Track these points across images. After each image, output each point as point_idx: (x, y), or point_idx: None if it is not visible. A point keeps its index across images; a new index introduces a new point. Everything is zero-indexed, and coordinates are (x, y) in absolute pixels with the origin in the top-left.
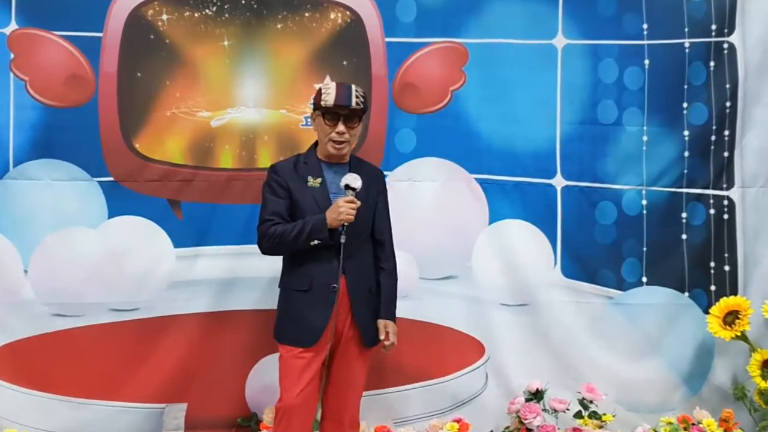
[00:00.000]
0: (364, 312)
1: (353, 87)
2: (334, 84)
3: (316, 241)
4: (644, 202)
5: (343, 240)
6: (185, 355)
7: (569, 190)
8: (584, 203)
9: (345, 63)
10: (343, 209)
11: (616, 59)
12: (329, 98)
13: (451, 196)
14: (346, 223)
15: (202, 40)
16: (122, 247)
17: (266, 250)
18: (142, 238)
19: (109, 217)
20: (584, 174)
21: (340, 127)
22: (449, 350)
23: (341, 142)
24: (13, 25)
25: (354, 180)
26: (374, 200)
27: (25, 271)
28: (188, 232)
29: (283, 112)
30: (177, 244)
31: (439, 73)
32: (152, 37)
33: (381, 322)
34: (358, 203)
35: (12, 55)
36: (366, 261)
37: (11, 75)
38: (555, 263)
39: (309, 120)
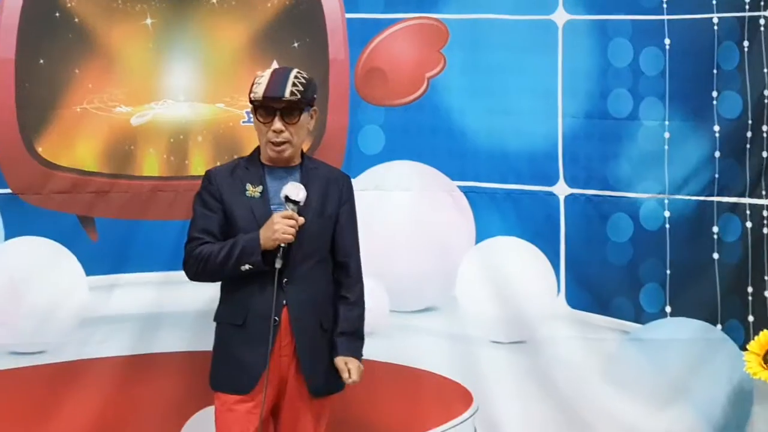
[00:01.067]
0: (310, 353)
1: (293, 72)
2: (270, 71)
3: (247, 267)
4: (666, 213)
5: (278, 265)
6: (101, 410)
7: (574, 200)
8: (593, 216)
9: (296, 45)
10: (278, 227)
11: (629, 38)
12: (259, 89)
13: (429, 209)
14: (283, 244)
15: (120, 18)
16: (22, 275)
17: (193, 276)
18: (46, 264)
19: (6, 238)
20: (592, 180)
21: (276, 125)
22: (428, 400)
23: (280, 143)
24: None
25: (295, 190)
26: (333, 212)
27: None
28: (103, 257)
29: (220, 106)
30: (90, 271)
31: (411, 57)
32: (57, 15)
33: (340, 360)
34: (300, 219)
35: None
36: (318, 289)
37: None
38: (558, 290)
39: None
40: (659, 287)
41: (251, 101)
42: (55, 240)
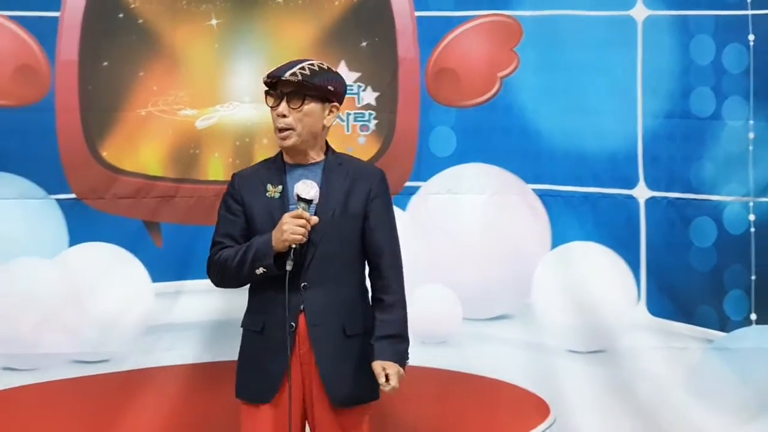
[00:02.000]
0: (330, 360)
1: (308, 61)
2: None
3: (261, 270)
4: (752, 217)
5: (289, 267)
6: (166, 419)
7: (655, 203)
8: (675, 220)
9: (364, 44)
10: (286, 227)
11: (712, 35)
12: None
13: (503, 213)
14: (294, 245)
15: (184, 18)
16: (86, 282)
17: (216, 282)
18: (111, 271)
19: (70, 245)
20: (674, 182)
21: (280, 108)
22: (503, 411)
23: (283, 130)
24: None
25: (305, 188)
26: (359, 210)
27: None
28: (169, 263)
29: None
30: (155, 277)
31: (484, 55)
32: (121, 15)
33: (377, 364)
34: (313, 219)
35: None
36: (342, 293)
37: None
38: (638, 298)
39: None
40: (744, 294)
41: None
42: (120, 246)
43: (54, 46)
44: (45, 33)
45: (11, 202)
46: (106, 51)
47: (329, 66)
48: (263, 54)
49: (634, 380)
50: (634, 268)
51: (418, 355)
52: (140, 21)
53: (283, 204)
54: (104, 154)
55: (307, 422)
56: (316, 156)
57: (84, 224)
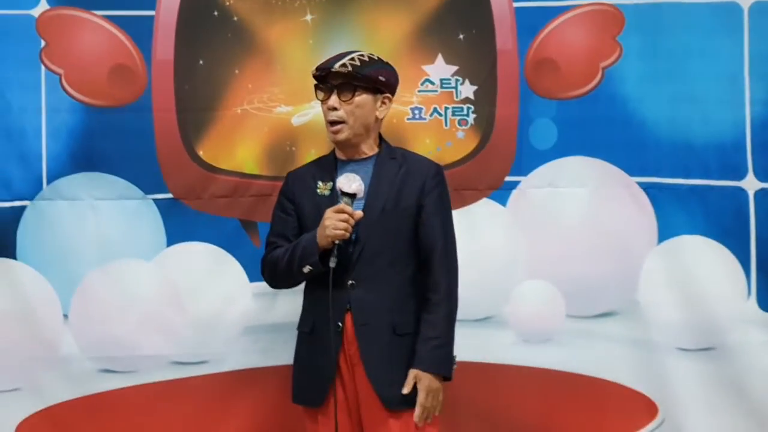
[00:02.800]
0: (379, 360)
1: (357, 52)
2: None
3: (308, 268)
4: None
5: (332, 264)
6: (265, 421)
7: (766, 195)
8: None
9: (462, 36)
10: (328, 222)
11: None
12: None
13: (607, 207)
14: (338, 241)
15: (279, 15)
16: (184, 283)
17: (270, 282)
18: (209, 271)
19: (168, 245)
20: None
21: (331, 101)
22: (610, 411)
23: (335, 123)
24: (43, 5)
25: (348, 182)
26: (411, 205)
27: (65, 317)
28: None
29: None
30: (253, 277)
31: (585, 46)
32: (216, 14)
33: (411, 372)
34: (356, 213)
35: (43, 43)
36: (391, 291)
37: (42, 68)
38: (749, 293)
39: (419, 113)
40: None
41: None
42: (218, 245)
43: (149, 46)
44: (140, 32)
45: (109, 203)
46: (201, 50)
47: (380, 57)
48: (359, 48)
49: (745, 377)
50: (744, 262)
51: (521, 354)
52: (235, 18)
53: (332, 201)
54: (201, 153)
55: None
56: (369, 150)
57: (181, 224)
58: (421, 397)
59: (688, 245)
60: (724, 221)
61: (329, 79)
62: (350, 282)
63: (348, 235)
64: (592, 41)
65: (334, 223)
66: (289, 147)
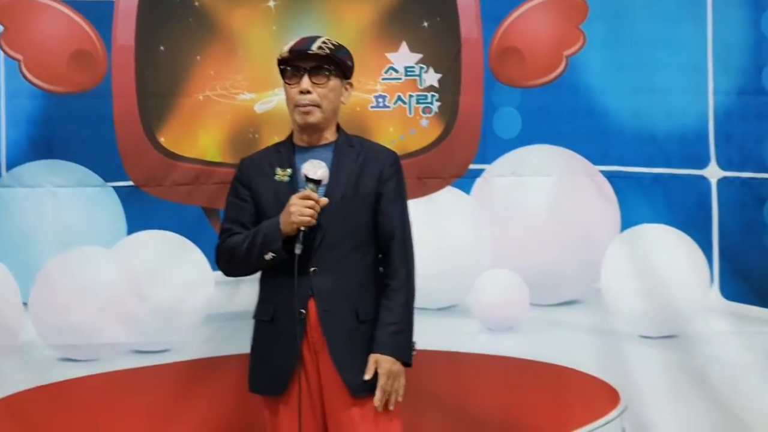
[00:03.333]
0: (344, 346)
1: (323, 37)
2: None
3: (270, 255)
4: None
5: (298, 251)
6: (228, 409)
7: (728, 184)
8: (749, 200)
9: (426, 24)
10: (294, 208)
11: None
12: (285, 48)
13: (570, 196)
14: (303, 228)
15: (241, 0)
16: (145, 271)
17: (225, 270)
18: (170, 259)
19: (129, 233)
20: (748, 161)
21: (303, 84)
22: (573, 399)
23: (307, 105)
24: None
25: (313, 168)
26: (370, 192)
27: (25, 305)
28: None
29: None
30: (216, 265)
31: (549, 34)
32: None
33: (372, 357)
34: (322, 200)
35: (1, 28)
36: (353, 277)
37: (1, 54)
38: (711, 281)
39: (383, 101)
40: None
41: (279, 64)
42: (179, 233)
43: (110, 31)
44: (101, 18)
45: (69, 190)
46: (162, 35)
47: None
48: (322, 35)
49: (707, 366)
50: (707, 250)
51: (484, 343)
52: (196, 3)
53: (293, 187)
54: (162, 140)
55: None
56: (330, 137)
57: (142, 212)
58: (381, 381)
59: (651, 234)
60: (686, 210)
61: (299, 62)
62: (312, 269)
63: (314, 221)
64: (556, 30)
65: (300, 210)
66: (252, 134)
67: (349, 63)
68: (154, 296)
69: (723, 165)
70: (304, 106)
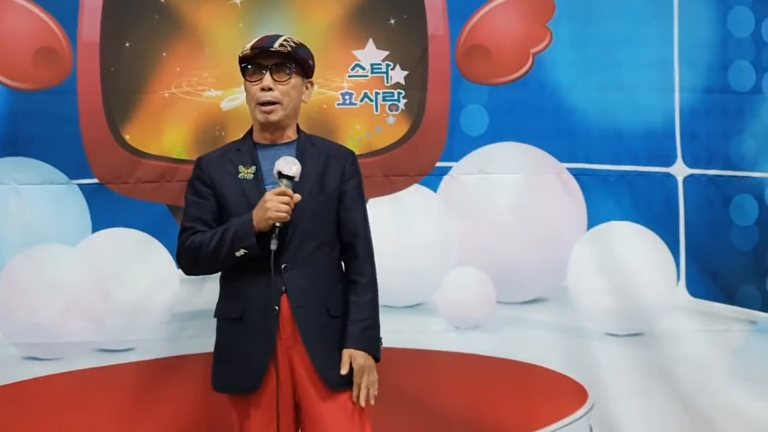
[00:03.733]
0: (319, 342)
1: (285, 36)
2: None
3: (241, 251)
4: None
5: (274, 247)
6: (193, 409)
7: (694, 181)
8: (715, 198)
9: (393, 21)
10: (270, 204)
11: (750, 6)
12: (248, 45)
13: (537, 193)
14: (278, 224)
15: None
16: (110, 269)
17: (187, 268)
18: (135, 257)
19: (94, 231)
20: (714, 159)
21: (265, 81)
22: (540, 396)
23: (268, 103)
24: None
25: (288, 165)
26: (334, 189)
27: None
28: None
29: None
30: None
31: (516, 31)
32: None
33: (346, 351)
34: (296, 196)
35: None
36: (323, 273)
37: None
38: (678, 279)
39: (350, 98)
40: None
41: (240, 62)
42: (145, 231)
43: (75, 28)
44: (66, 14)
45: (33, 188)
46: (128, 32)
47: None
48: (288, 32)
49: (674, 363)
50: (673, 248)
51: (451, 340)
52: (162, 0)
53: (258, 184)
54: (127, 137)
55: (299, 408)
56: (292, 135)
57: (107, 210)
58: (357, 376)
59: (618, 231)
60: (653, 207)
61: (261, 59)
62: (283, 265)
63: (289, 217)
64: (522, 27)
65: (276, 206)
66: (218, 132)
67: (311, 62)
68: (119, 294)
69: (689, 162)
70: (266, 104)
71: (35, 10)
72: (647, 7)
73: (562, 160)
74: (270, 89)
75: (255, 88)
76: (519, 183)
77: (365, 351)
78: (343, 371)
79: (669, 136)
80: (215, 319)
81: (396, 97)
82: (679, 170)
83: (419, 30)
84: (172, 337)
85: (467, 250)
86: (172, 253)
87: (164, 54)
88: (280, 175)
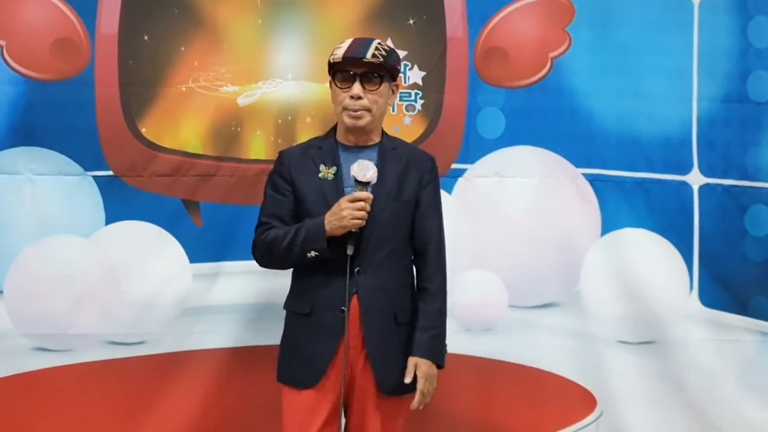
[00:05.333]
0: (380, 346)
1: (375, 41)
2: (350, 39)
3: (313, 253)
4: None
5: (350, 252)
6: (202, 403)
7: (710, 190)
8: (730, 207)
9: (412, 22)
10: (346, 212)
11: None
12: (339, 52)
13: (552, 198)
14: (354, 230)
15: None
16: (123, 261)
17: (261, 262)
18: (148, 251)
19: (107, 223)
20: (730, 168)
21: (355, 89)
22: (549, 402)
23: (358, 110)
24: None
25: (362, 170)
26: (411, 196)
27: (0, 293)
28: (208, 243)
29: None
30: (194, 258)
31: (535, 35)
32: None
33: (410, 360)
34: (367, 196)
35: None
36: (393, 278)
37: None
38: (691, 288)
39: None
40: None
41: (330, 66)
42: (158, 225)
43: (94, 20)
44: (85, 6)
45: (48, 179)
46: (147, 25)
47: (389, 46)
48: (307, 30)
49: (684, 373)
50: (687, 256)
51: (462, 343)
52: None
53: (337, 186)
54: (143, 130)
55: (346, 408)
56: (376, 138)
57: (121, 202)
58: (420, 383)
59: (632, 238)
60: (668, 215)
61: (351, 67)
62: (356, 269)
63: (365, 223)
64: (541, 31)
65: (353, 213)
66: (234, 127)
67: (398, 67)
68: (131, 288)
69: (705, 171)
70: (355, 110)
71: (54, 0)
72: (667, 15)
73: (577, 165)
74: (360, 98)
75: (344, 94)
76: (534, 187)
77: (430, 360)
78: (408, 379)
79: (686, 145)
80: (228, 315)
81: (413, 98)
82: (695, 179)
83: (438, 31)
84: (184, 331)
85: (480, 253)
86: (185, 248)
87: (182, 48)
88: (356, 180)
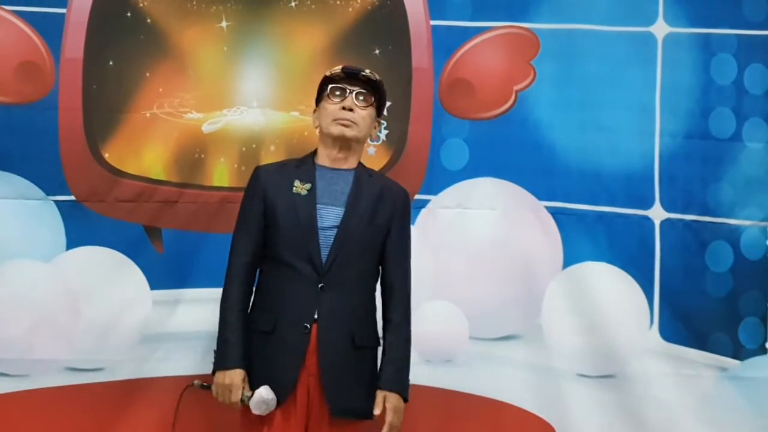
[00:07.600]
0: (334, 367)
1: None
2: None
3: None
4: None
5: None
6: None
7: (671, 225)
8: (691, 243)
9: (377, 52)
10: (221, 391)
11: (734, 54)
12: (336, 68)
13: (514, 230)
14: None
15: (194, 19)
16: (83, 287)
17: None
18: (109, 277)
19: (68, 248)
20: (691, 204)
21: (348, 101)
22: None
23: (348, 119)
24: None
25: (263, 402)
26: (384, 221)
27: None
28: (169, 270)
29: (295, 114)
30: (154, 285)
31: (500, 68)
32: (129, 14)
33: (379, 393)
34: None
35: None
36: (356, 301)
37: None
38: (651, 322)
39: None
40: (760, 322)
41: (325, 82)
42: (119, 251)
43: (59, 44)
44: (50, 30)
45: (8, 202)
46: (112, 50)
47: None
48: (273, 59)
49: (643, 407)
50: (648, 291)
51: (422, 374)
52: (148, 20)
53: (310, 201)
54: (106, 155)
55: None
56: (353, 163)
57: (82, 227)
58: (389, 416)
59: (593, 272)
60: (629, 249)
61: (347, 84)
62: (320, 285)
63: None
64: (506, 64)
65: (226, 397)
66: (197, 154)
67: (385, 100)
68: (91, 313)
69: (667, 206)
70: (345, 120)
71: (19, 23)
72: (631, 50)
73: (540, 197)
74: (351, 110)
75: (335, 107)
76: (497, 219)
77: (398, 393)
78: (377, 411)
79: (648, 179)
80: (187, 342)
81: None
82: (657, 213)
83: (404, 62)
84: (142, 358)
85: (442, 284)
86: (146, 274)
87: (147, 74)
88: (253, 396)
